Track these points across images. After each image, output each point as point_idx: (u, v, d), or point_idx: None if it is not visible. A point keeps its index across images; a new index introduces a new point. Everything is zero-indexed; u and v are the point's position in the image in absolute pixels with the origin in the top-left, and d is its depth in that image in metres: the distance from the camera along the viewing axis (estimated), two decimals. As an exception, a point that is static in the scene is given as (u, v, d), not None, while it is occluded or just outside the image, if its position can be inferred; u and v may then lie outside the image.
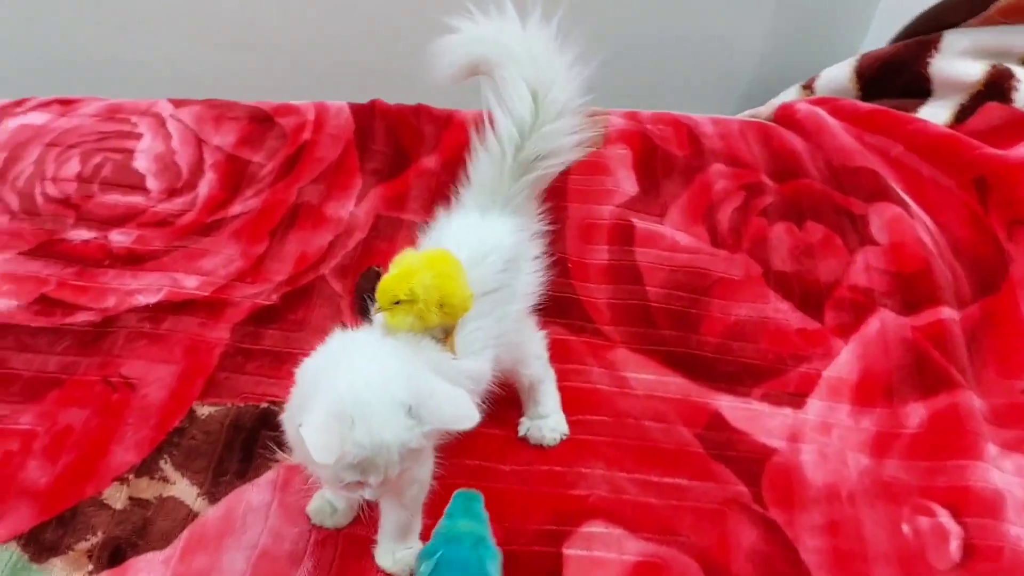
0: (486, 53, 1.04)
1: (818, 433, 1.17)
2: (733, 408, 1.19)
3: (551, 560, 1.01)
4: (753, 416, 1.19)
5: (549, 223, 1.12)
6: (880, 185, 1.49)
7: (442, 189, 1.44)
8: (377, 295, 0.92)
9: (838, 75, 1.73)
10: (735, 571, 1.02)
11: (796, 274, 1.38)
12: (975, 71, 1.56)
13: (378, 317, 0.94)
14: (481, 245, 0.99)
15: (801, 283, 1.36)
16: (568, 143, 1.06)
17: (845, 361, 1.26)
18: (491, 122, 1.03)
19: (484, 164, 1.05)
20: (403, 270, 0.92)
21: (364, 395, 0.80)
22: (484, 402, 1.01)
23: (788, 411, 1.20)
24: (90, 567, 0.96)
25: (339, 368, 0.84)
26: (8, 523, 0.99)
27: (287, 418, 0.88)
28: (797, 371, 1.25)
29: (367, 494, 0.85)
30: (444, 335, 0.95)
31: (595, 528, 1.05)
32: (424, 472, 0.95)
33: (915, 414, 1.19)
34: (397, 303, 0.90)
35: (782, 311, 1.33)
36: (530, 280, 1.06)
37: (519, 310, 1.05)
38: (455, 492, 0.96)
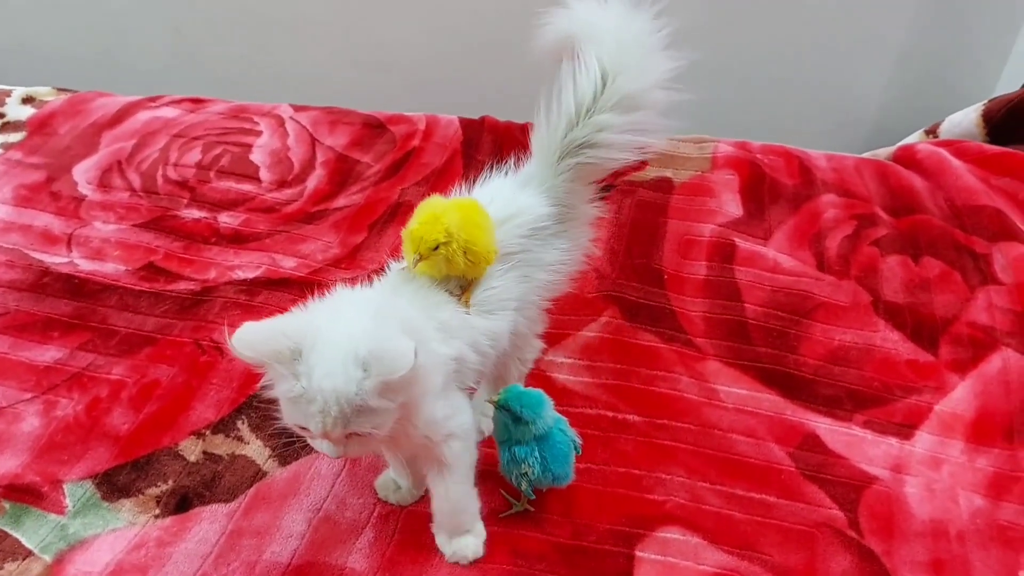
0: (576, 30, 1.00)
1: (926, 467, 1.07)
2: (831, 431, 1.10)
3: (622, 560, 0.94)
4: (853, 441, 1.10)
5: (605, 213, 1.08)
6: (1006, 224, 1.39)
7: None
8: (409, 243, 0.89)
9: (963, 120, 1.64)
10: (825, 600, 0.92)
11: (909, 306, 1.28)
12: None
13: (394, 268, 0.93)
14: (509, 205, 0.96)
15: (914, 315, 1.27)
16: (621, 140, 0.98)
17: (961, 397, 1.16)
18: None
19: (538, 135, 1.00)
20: (429, 214, 0.89)
21: (323, 335, 0.77)
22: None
23: (893, 441, 1.10)
24: (157, 511, 0.96)
25: (316, 313, 0.82)
26: (86, 463, 1.01)
27: None
28: (905, 402, 1.15)
29: (324, 449, 0.80)
30: (461, 291, 0.92)
31: (671, 534, 0.97)
32: (459, 426, 0.90)
33: (1037, 459, 1.07)
34: (436, 248, 0.88)
35: (891, 340, 1.23)
36: (559, 258, 1.00)
37: (542, 284, 1.00)
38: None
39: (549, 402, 0.98)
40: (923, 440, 1.10)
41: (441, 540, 0.95)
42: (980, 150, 1.55)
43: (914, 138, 1.70)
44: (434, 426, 0.87)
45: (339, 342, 0.76)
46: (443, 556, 0.94)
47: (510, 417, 0.96)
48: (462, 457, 0.91)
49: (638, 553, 0.95)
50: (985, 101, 1.63)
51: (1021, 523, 1.01)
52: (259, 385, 0.82)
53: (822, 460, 1.07)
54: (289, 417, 0.79)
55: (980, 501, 1.04)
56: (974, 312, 1.27)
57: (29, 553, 0.90)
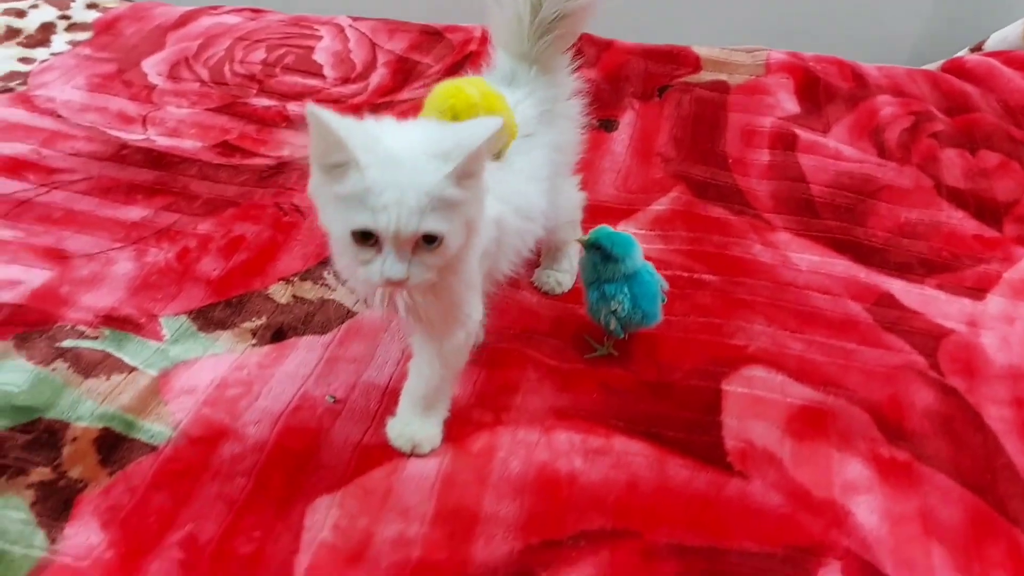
0: None
1: (1001, 323, 1.08)
2: (906, 291, 1.12)
3: (709, 394, 0.95)
4: (927, 300, 1.11)
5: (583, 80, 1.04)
6: (1060, 117, 1.41)
7: (601, 97, 1.46)
8: (425, 112, 0.86)
9: (1009, 34, 1.66)
10: (909, 428, 0.93)
11: (971, 191, 1.30)
12: None
13: None
14: (512, 94, 0.94)
15: (976, 198, 1.28)
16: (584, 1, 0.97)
17: (1027, 266, 1.17)
18: None
19: (502, 26, 0.98)
20: (450, 86, 0.87)
21: (384, 138, 0.72)
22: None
23: (966, 301, 1.11)
24: (253, 341, 0.97)
25: (363, 123, 0.75)
26: (180, 301, 1.02)
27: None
28: (975, 270, 1.16)
29: (387, 268, 0.71)
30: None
31: (756, 372, 0.98)
32: (476, 312, 0.86)
33: (1109, 317, 1.08)
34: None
35: (956, 218, 1.25)
36: (567, 136, 1.01)
37: (558, 162, 0.99)
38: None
39: (638, 244, 0.99)
40: (995, 302, 1.12)
41: (393, 427, 0.88)
42: (1029, 56, 1.58)
43: (961, 54, 1.72)
44: (467, 292, 0.84)
45: (406, 141, 0.72)
46: (529, 383, 0.95)
47: (600, 256, 0.97)
48: (459, 354, 0.87)
49: (725, 387, 0.96)
50: (1031, 14, 1.65)
51: (1099, 372, 1.03)
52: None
53: (899, 315, 1.08)
54: (350, 223, 0.70)
55: (1056, 354, 1.05)
56: (1035, 196, 1.29)
57: (134, 369, 0.91)
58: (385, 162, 0.69)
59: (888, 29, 1.93)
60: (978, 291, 1.13)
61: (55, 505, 0.77)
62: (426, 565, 0.76)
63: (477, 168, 0.73)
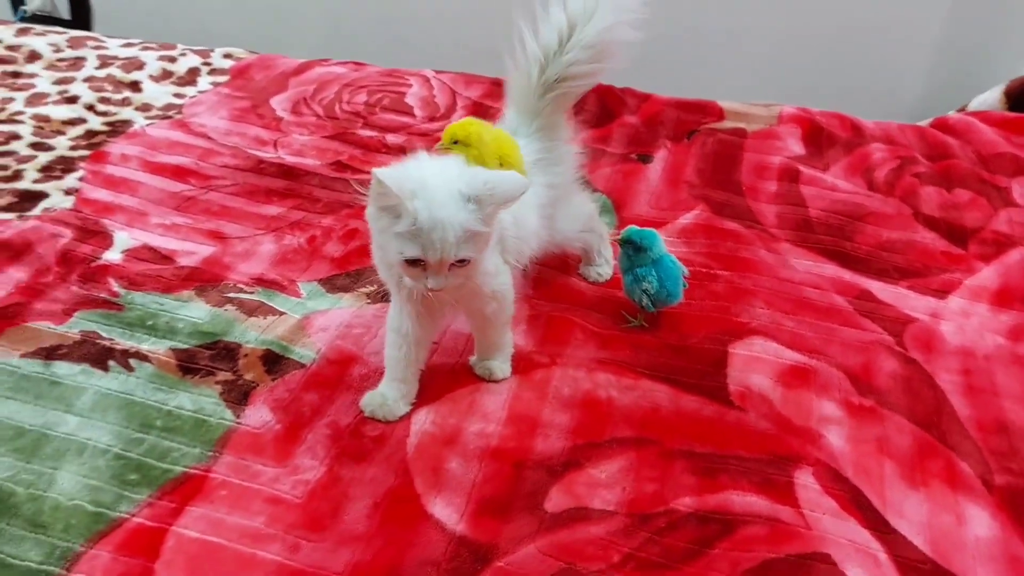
0: None
1: (958, 316, 1.32)
2: (882, 290, 1.36)
3: (718, 354, 1.21)
4: (899, 297, 1.35)
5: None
6: (1022, 165, 1.66)
7: (640, 137, 1.75)
8: (443, 137, 1.10)
9: (988, 98, 1.93)
10: (876, 384, 1.17)
11: (943, 218, 1.55)
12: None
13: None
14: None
15: (947, 224, 1.53)
16: (590, 69, 1.18)
17: (987, 276, 1.41)
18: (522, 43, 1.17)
19: (514, 84, 1.20)
20: (464, 121, 1.11)
21: (429, 181, 0.92)
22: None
23: (932, 299, 1.35)
24: (368, 300, 1.25)
25: (409, 168, 0.98)
26: (312, 272, 1.30)
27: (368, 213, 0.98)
28: (940, 277, 1.40)
29: (430, 283, 0.94)
30: None
31: (756, 341, 1.23)
32: (501, 285, 1.08)
33: (1051, 318, 1.32)
34: (455, 142, 1.08)
35: (929, 238, 1.50)
36: (560, 178, 1.22)
37: (553, 196, 1.20)
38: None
39: (660, 237, 1.26)
40: (955, 301, 1.35)
41: (474, 361, 1.14)
42: (1003, 116, 1.83)
43: (948, 114, 1.99)
44: (486, 277, 1.05)
45: (445, 183, 0.92)
46: (577, 341, 1.21)
47: (632, 248, 1.25)
48: (499, 314, 1.10)
49: (730, 350, 1.21)
50: (1008, 80, 1.92)
51: (1036, 357, 1.26)
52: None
53: (874, 306, 1.33)
54: (404, 252, 0.92)
55: (1002, 340, 1.28)
56: (997, 224, 1.53)
57: (283, 312, 1.20)
58: (431, 206, 0.91)
59: (888, 91, 2.21)
60: (942, 292, 1.37)
61: (237, 396, 1.06)
62: (500, 450, 1.03)
63: (496, 216, 0.97)
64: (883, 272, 1.41)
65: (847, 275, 1.39)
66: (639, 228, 1.26)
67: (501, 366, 1.13)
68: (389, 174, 0.91)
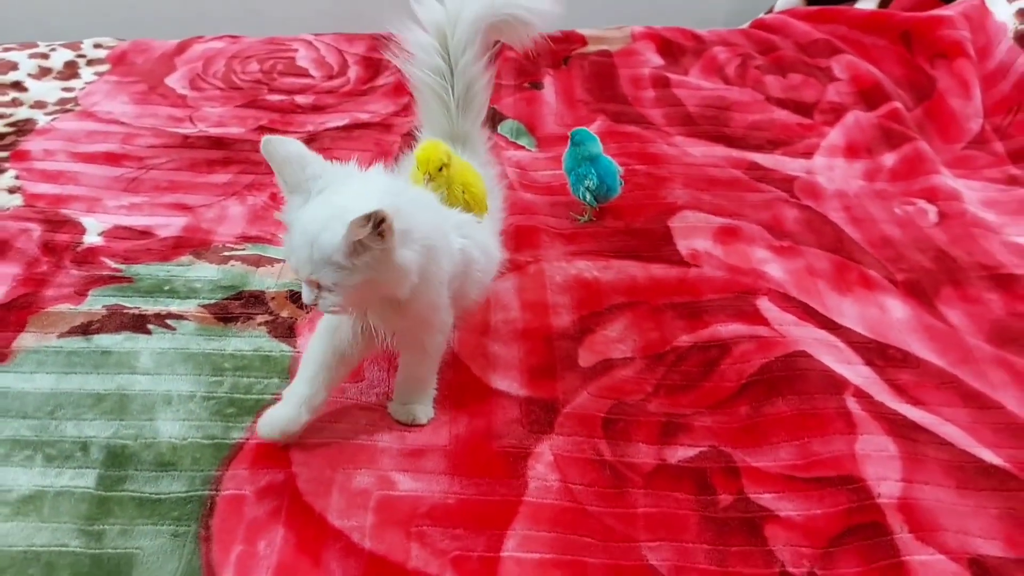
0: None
1: (826, 170, 1.61)
2: (764, 159, 1.62)
3: (662, 230, 1.39)
4: (779, 163, 1.61)
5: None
6: (833, 47, 1.99)
7: (524, 68, 1.91)
8: (418, 164, 1.04)
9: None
10: (788, 229, 1.42)
11: (788, 98, 1.84)
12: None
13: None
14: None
15: (793, 102, 1.82)
16: (481, 66, 1.23)
17: (834, 137, 1.70)
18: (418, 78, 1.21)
19: (427, 112, 1.22)
20: (429, 143, 1.08)
21: (331, 188, 0.82)
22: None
23: (802, 160, 1.63)
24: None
25: (344, 171, 0.87)
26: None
27: None
28: (802, 143, 1.68)
29: (303, 294, 0.84)
30: None
31: (687, 214, 1.44)
32: (444, 323, 1.00)
33: (889, 158, 1.64)
34: (441, 169, 1.06)
35: (783, 115, 1.78)
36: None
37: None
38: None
39: (597, 138, 1.43)
40: (819, 160, 1.64)
41: (394, 407, 1.02)
42: (806, 11, 2.16)
43: (761, 16, 2.31)
44: (432, 312, 0.95)
45: (342, 198, 0.81)
46: (546, 241, 1.37)
47: (572, 144, 1.42)
48: (440, 349, 1.02)
49: (670, 224, 1.41)
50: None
51: (888, 189, 1.57)
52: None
53: (764, 173, 1.57)
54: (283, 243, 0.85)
55: (862, 183, 1.57)
56: (829, 96, 1.83)
57: (284, 260, 1.26)
58: (306, 211, 0.81)
59: (707, 5, 2.51)
60: (807, 154, 1.65)
61: (283, 330, 1.12)
62: (527, 330, 1.17)
63: (367, 259, 0.80)
64: (759, 146, 1.67)
65: (734, 153, 1.64)
66: (584, 128, 1.43)
67: (424, 409, 1.02)
68: (294, 148, 0.84)
